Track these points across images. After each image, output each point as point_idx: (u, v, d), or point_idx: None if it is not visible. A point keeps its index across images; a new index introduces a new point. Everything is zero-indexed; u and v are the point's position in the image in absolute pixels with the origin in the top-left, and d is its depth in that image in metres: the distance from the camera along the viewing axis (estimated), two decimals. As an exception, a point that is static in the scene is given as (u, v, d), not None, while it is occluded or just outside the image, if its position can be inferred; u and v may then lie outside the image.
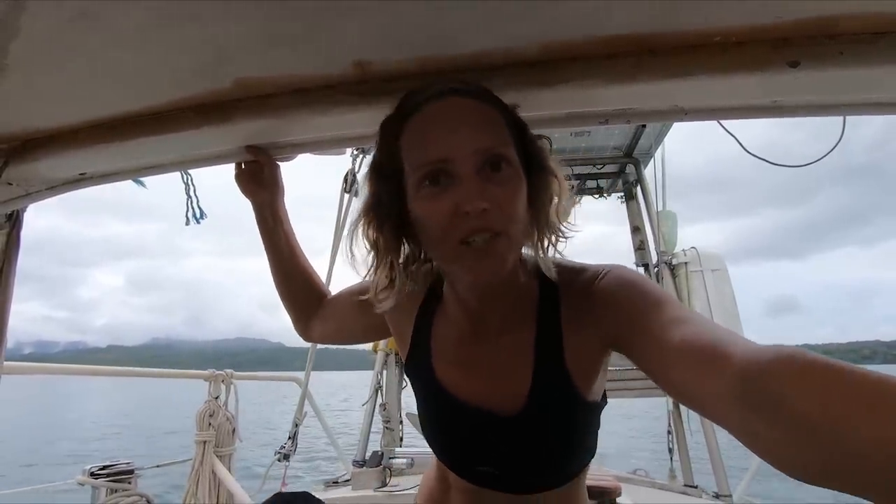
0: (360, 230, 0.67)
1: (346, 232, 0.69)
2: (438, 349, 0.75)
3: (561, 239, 0.66)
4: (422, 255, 0.71)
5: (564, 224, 0.66)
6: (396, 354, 3.20)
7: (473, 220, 0.57)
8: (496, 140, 0.60)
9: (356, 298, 0.84)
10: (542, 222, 0.65)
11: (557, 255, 0.68)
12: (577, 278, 0.67)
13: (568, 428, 0.67)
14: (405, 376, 0.90)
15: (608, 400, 0.75)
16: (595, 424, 0.72)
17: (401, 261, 0.68)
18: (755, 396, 0.40)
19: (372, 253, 0.67)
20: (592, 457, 0.73)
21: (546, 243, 0.66)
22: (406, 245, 0.69)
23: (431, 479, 0.86)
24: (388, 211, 0.65)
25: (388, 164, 0.65)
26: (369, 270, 0.68)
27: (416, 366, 0.78)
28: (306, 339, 0.99)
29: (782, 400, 0.37)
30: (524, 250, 0.68)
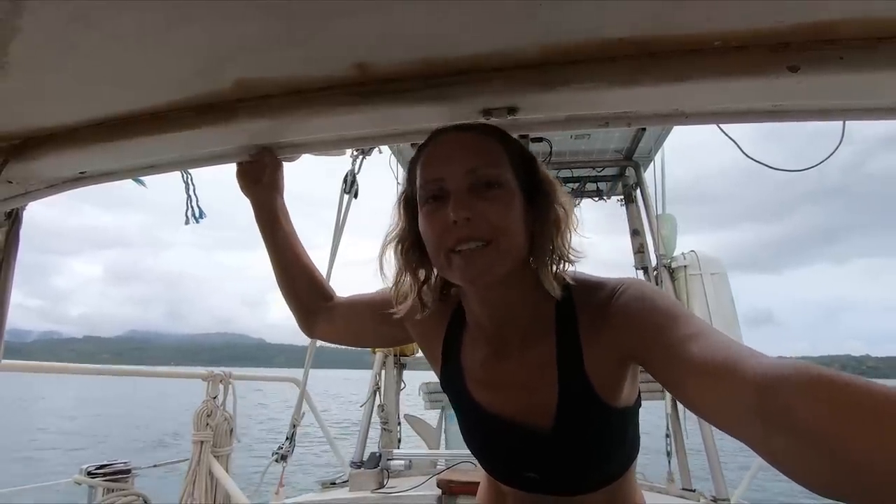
0: (388, 252, 0.76)
1: (378, 252, 0.79)
2: (468, 369, 0.78)
3: (567, 264, 0.70)
4: (434, 273, 0.77)
5: (570, 251, 0.70)
6: (395, 356, 3.19)
7: (461, 230, 0.64)
8: (487, 162, 0.67)
9: (377, 308, 0.89)
10: (548, 247, 0.69)
11: (575, 271, 0.71)
12: (594, 294, 0.69)
13: (601, 436, 0.70)
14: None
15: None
16: (630, 428, 0.73)
17: (421, 278, 0.76)
18: (769, 408, 0.41)
19: (395, 270, 0.76)
20: (636, 455, 0.76)
21: (553, 268, 0.69)
22: (421, 264, 0.75)
23: (484, 482, 0.89)
24: (407, 234, 0.74)
25: (411, 194, 0.74)
26: (393, 284, 0.77)
27: (450, 384, 0.81)
28: (309, 335, 1.01)
29: (794, 411, 0.38)
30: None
